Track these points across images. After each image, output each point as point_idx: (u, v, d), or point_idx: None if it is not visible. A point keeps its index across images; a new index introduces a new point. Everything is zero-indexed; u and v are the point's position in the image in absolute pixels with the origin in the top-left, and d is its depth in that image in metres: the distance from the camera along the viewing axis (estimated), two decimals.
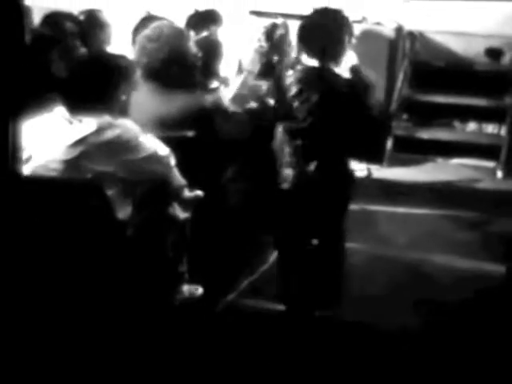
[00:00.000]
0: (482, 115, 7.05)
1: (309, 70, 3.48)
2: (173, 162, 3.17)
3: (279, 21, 5.20)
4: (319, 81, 3.42)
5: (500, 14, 7.74)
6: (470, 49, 6.96)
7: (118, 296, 2.82)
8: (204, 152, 3.59)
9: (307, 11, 7.72)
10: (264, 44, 4.95)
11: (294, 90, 3.43)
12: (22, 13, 1.94)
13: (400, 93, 7.16)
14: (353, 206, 5.54)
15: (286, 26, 5.40)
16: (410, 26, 7.39)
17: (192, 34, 4.59)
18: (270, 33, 5.06)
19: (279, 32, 4.97)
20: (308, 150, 3.47)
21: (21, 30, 1.93)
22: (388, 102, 7.16)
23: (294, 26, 6.07)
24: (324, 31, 3.51)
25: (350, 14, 7.41)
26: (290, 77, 3.53)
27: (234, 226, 4.11)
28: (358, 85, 3.47)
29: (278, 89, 3.57)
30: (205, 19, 5.44)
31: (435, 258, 4.70)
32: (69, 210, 2.65)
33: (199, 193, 3.38)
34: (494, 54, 7.01)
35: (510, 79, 6.91)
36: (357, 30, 6.78)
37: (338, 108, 3.41)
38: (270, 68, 4.58)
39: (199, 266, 3.67)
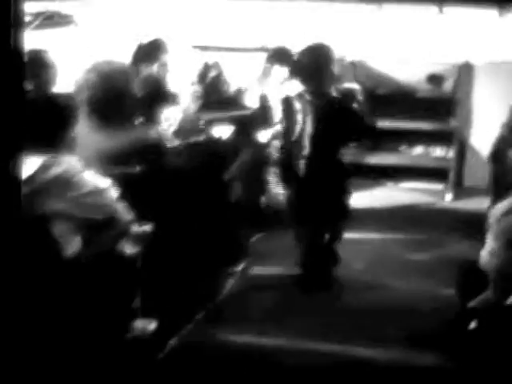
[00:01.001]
0: (428, 139, 7.17)
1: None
2: (115, 195, 3.16)
3: (212, 61, 5.28)
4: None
5: (440, 41, 7.94)
6: (411, 76, 7.11)
7: (65, 334, 2.78)
8: (152, 186, 3.59)
9: (250, 45, 7.86)
10: (198, 88, 5.02)
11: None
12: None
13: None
14: None
15: (218, 67, 5.49)
16: (351, 55, 7.53)
17: (141, 67, 4.65)
18: (202, 76, 5.14)
19: (212, 74, 5.04)
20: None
21: None
22: None
23: (238, 59, 6.21)
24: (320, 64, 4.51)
25: (293, 45, 7.60)
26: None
27: (187, 257, 4.11)
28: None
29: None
30: (152, 50, 5.49)
31: (387, 282, 4.75)
32: (13, 247, 2.62)
33: (148, 228, 3.37)
34: (435, 80, 7.16)
35: (454, 103, 7.06)
36: None
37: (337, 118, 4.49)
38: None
39: (154, 300, 3.65)
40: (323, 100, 4.51)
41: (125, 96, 3.63)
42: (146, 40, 5.62)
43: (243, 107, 5.73)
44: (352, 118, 4.54)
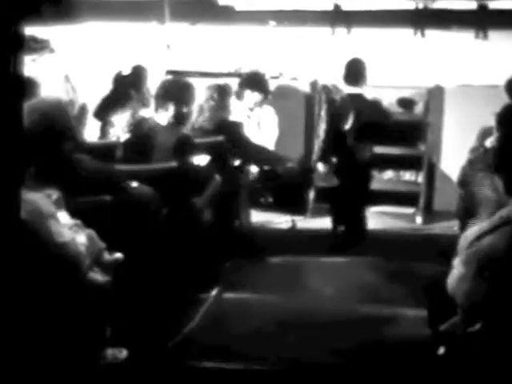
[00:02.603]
0: (398, 163, 7.24)
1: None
2: (80, 239, 3.18)
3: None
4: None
5: (411, 64, 8.04)
6: (382, 100, 7.19)
7: (36, 363, 2.77)
8: (122, 214, 3.60)
9: (224, 69, 7.90)
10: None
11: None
12: None
13: (319, 145, 7.29)
14: (278, 258, 5.67)
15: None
16: (324, 79, 7.59)
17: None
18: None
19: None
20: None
21: None
22: (308, 155, 7.28)
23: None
24: None
25: (267, 70, 7.67)
26: None
27: (159, 284, 4.11)
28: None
29: None
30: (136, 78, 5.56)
31: (357, 307, 4.77)
32: None
33: (119, 255, 3.38)
34: (406, 104, 7.24)
35: (424, 127, 7.14)
36: (273, 86, 7.02)
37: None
38: None
39: (125, 328, 3.64)
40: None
41: (62, 131, 3.59)
42: (127, 68, 5.66)
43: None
44: None
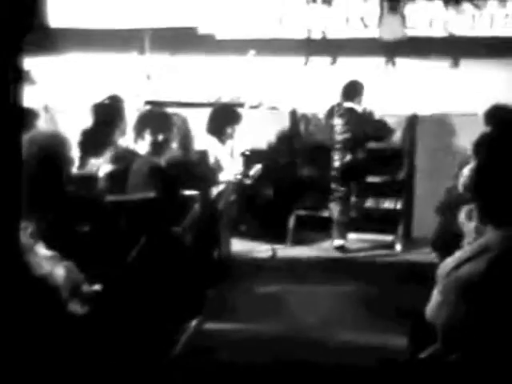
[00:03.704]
0: (378, 191, 7.28)
1: None
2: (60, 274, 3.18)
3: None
4: None
5: (389, 93, 8.13)
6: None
7: None
8: (100, 245, 3.60)
9: (204, 98, 7.92)
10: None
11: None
12: None
13: (299, 173, 7.34)
14: (260, 288, 5.68)
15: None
16: (303, 108, 7.67)
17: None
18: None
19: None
20: None
21: None
22: (289, 184, 7.32)
23: (191, 114, 6.27)
24: None
25: (247, 99, 7.71)
26: None
27: (137, 314, 4.10)
28: None
29: None
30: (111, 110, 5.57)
31: (338, 335, 4.78)
32: None
33: (98, 287, 3.38)
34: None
35: (402, 155, 7.20)
36: (253, 115, 7.07)
37: None
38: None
39: (103, 357, 3.62)
40: None
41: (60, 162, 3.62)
42: (103, 99, 5.67)
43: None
44: None
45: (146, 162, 4.88)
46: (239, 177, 6.24)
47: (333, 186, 6.88)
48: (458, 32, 11.95)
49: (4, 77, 1.90)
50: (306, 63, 12.22)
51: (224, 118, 6.28)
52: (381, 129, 6.99)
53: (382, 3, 12.07)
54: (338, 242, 6.82)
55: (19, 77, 1.95)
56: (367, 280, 5.83)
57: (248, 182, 6.36)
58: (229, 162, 6.23)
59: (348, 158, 6.81)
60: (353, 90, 6.92)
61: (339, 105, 6.91)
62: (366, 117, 6.92)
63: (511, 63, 11.31)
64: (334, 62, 12.21)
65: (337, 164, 6.84)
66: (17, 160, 1.96)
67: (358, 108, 6.88)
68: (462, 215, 4.34)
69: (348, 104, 6.86)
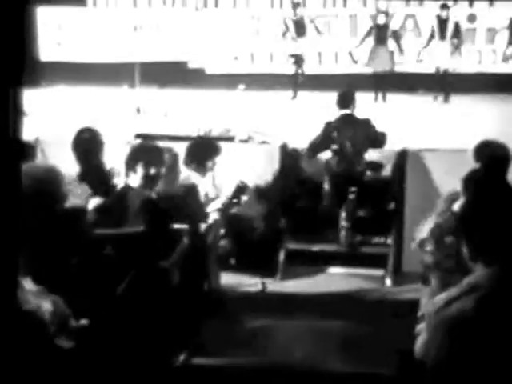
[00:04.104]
0: (367, 225, 7.28)
1: None
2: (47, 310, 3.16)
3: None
4: None
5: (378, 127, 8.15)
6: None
7: None
8: (88, 279, 3.59)
9: (193, 132, 7.94)
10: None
11: None
12: None
13: (290, 207, 7.34)
14: (249, 322, 5.65)
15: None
16: (294, 143, 7.70)
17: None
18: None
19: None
20: None
21: None
22: (278, 217, 7.32)
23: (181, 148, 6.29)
24: None
25: (236, 133, 7.74)
26: None
27: (125, 349, 4.07)
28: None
29: None
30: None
31: (328, 369, 4.75)
32: None
33: (84, 322, 3.35)
34: (373, 166, 7.35)
35: (392, 189, 7.22)
36: (243, 149, 7.09)
37: None
38: None
39: None
40: None
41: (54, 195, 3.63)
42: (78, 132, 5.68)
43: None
44: None
45: (139, 194, 4.89)
46: (224, 206, 6.25)
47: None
48: (447, 67, 12.04)
49: (5, 111, 1.91)
50: (293, 97, 12.28)
51: (203, 151, 6.30)
52: (378, 135, 7.28)
53: (369, 36, 12.19)
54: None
55: (19, 111, 1.96)
56: (356, 315, 5.81)
57: (233, 208, 6.37)
58: (211, 192, 6.25)
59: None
60: (348, 98, 7.28)
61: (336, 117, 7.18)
62: (365, 122, 7.25)
63: (500, 99, 11.43)
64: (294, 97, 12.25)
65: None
66: (16, 197, 1.96)
67: (355, 114, 7.26)
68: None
69: (344, 111, 7.20)
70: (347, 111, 7.20)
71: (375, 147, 7.26)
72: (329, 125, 7.25)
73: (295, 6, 12.55)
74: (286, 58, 12.61)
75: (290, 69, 12.70)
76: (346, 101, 7.25)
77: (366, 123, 7.26)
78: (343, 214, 6.97)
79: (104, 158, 5.57)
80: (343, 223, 6.96)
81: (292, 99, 12.09)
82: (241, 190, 6.37)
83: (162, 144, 5.61)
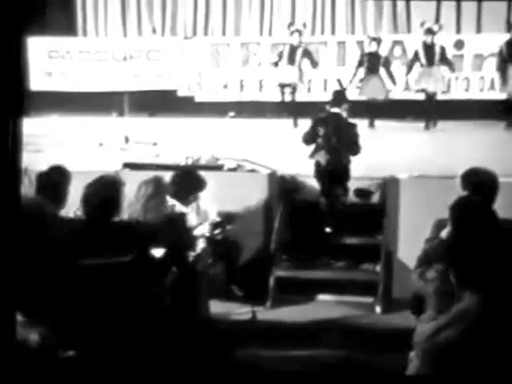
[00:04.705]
0: (357, 253, 7.29)
1: None
2: None
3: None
4: None
5: (367, 156, 8.18)
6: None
7: None
8: (76, 309, 3.57)
9: (182, 160, 7.92)
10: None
11: None
12: None
13: (278, 234, 7.33)
14: (238, 351, 5.61)
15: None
16: (282, 170, 7.72)
17: None
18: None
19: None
20: None
21: None
22: (267, 244, 7.31)
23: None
24: None
25: (225, 162, 7.73)
26: None
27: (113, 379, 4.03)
28: None
29: None
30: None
31: None
32: None
33: (71, 353, 3.34)
34: (363, 194, 7.37)
35: (381, 217, 7.23)
36: (232, 177, 7.09)
37: None
38: None
39: None
40: None
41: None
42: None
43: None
44: None
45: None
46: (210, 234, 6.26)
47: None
48: (435, 94, 12.09)
49: (5, 142, 1.92)
50: (295, 125, 12.27)
51: (187, 186, 6.31)
52: (357, 141, 7.58)
53: (361, 66, 12.22)
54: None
55: (20, 142, 1.98)
56: (347, 343, 5.79)
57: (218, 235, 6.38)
58: (195, 220, 6.26)
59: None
60: (339, 99, 7.83)
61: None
62: (351, 124, 7.67)
63: (487, 125, 11.50)
64: (295, 125, 12.26)
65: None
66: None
67: (344, 114, 7.66)
68: (413, 276, 4.33)
69: (335, 109, 7.64)
70: (337, 110, 7.60)
71: (352, 151, 7.50)
72: (317, 119, 7.68)
73: (293, 33, 12.57)
74: (279, 86, 12.62)
75: (282, 97, 12.71)
76: (337, 100, 7.73)
77: (352, 125, 7.64)
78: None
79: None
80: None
81: (294, 128, 12.09)
82: (227, 219, 6.38)
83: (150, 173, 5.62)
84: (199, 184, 6.34)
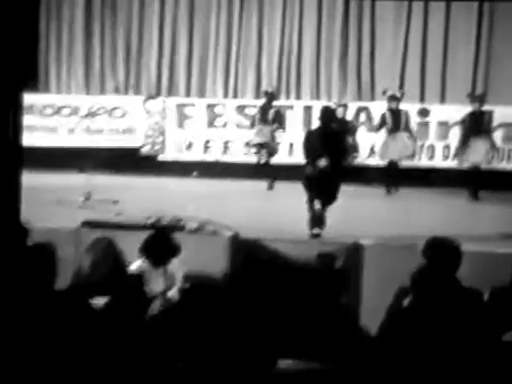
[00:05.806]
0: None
1: None
2: None
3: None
4: None
5: (331, 221, 8.12)
6: (301, 255, 7.24)
7: None
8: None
9: (142, 220, 7.80)
10: None
11: None
12: None
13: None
14: None
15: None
16: (245, 233, 7.62)
17: None
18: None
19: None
20: None
21: None
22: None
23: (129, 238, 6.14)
24: None
25: (187, 222, 7.58)
26: None
27: None
28: None
29: None
30: None
31: None
32: None
33: None
34: (326, 259, 7.26)
35: (344, 282, 7.12)
36: (192, 240, 6.96)
37: None
38: None
39: None
40: None
41: None
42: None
43: None
44: None
45: None
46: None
47: None
48: (399, 161, 12.17)
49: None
50: (269, 188, 12.19)
51: (161, 251, 6.17)
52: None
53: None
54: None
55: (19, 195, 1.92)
56: None
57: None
58: (163, 284, 6.13)
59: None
60: (329, 114, 8.56)
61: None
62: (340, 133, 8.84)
63: (450, 193, 11.56)
64: (271, 187, 12.22)
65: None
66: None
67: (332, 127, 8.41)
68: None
69: (323, 124, 8.30)
70: (326, 124, 8.30)
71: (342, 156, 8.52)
72: (309, 134, 8.54)
73: (267, 94, 12.66)
74: (252, 146, 12.62)
75: (246, 158, 12.68)
76: (324, 116, 8.35)
77: (342, 134, 8.96)
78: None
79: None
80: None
81: (268, 190, 12.02)
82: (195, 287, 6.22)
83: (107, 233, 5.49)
84: (173, 251, 6.20)
